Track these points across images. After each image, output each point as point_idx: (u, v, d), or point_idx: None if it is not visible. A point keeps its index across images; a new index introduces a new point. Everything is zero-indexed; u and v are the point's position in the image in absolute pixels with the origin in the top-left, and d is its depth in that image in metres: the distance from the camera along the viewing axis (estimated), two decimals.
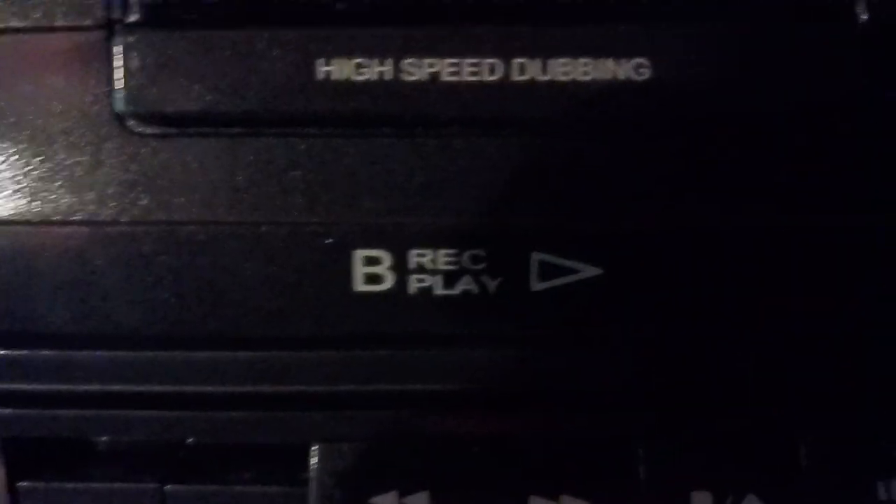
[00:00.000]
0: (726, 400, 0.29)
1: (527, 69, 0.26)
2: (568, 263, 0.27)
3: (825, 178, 0.26)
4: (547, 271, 0.27)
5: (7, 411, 0.30)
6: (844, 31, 0.26)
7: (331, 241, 0.27)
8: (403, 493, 0.30)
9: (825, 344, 0.28)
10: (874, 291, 0.27)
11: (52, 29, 0.26)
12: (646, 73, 0.25)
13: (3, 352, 0.29)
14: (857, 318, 0.28)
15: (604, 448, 0.31)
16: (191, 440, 0.32)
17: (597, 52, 0.25)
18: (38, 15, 0.26)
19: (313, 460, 0.30)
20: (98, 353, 0.29)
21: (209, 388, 0.29)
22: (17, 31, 0.27)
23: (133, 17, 0.26)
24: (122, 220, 0.27)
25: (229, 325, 0.28)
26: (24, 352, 0.29)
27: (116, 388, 0.29)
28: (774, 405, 0.29)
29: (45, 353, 0.29)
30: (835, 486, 0.32)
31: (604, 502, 0.30)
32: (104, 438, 0.33)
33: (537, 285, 0.27)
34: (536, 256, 0.27)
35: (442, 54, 0.26)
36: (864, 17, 0.26)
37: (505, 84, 0.26)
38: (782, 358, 0.28)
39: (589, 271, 0.27)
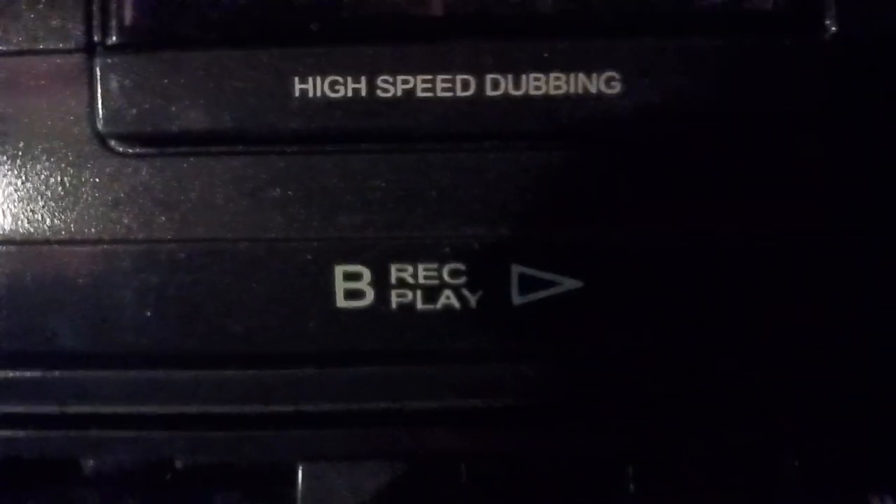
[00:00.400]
0: (708, 413, 0.29)
1: (500, 84, 0.26)
2: (548, 276, 0.28)
3: (795, 189, 0.27)
4: (527, 284, 0.28)
5: None
6: (813, 44, 0.26)
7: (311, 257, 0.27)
8: None
9: (812, 357, 0.29)
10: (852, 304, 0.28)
11: (35, 52, 0.27)
12: (617, 87, 0.26)
13: None
14: (838, 331, 0.28)
15: (591, 462, 0.32)
16: (178, 462, 0.33)
17: (568, 66, 0.26)
18: (21, 38, 0.27)
19: (300, 479, 0.31)
20: (82, 373, 0.29)
21: (194, 408, 0.29)
22: (0, 54, 0.27)
23: (112, 40, 0.27)
24: (103, 239, 0.28)
25: (212, 343, 0.28)
26: (9, 373, 0.29)
27: (101, 408, 0.30)
28: (759, 419, 0.29)
29: (30, 373, 0.29)
30: (828, 499, 0.32)
31: None
32: (90, 460, 0.34)
33: (518, 299, 0.28)
34: (517, 269, 0.28)
35: (415, 71, 0.26)
36: (833, 29, 0.26)
37: (479, 99, 0.26)
38: (765, 371, 0.29)
39: (569, 284, 0.28)
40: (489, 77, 0.26)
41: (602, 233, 0.27)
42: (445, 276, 0.28)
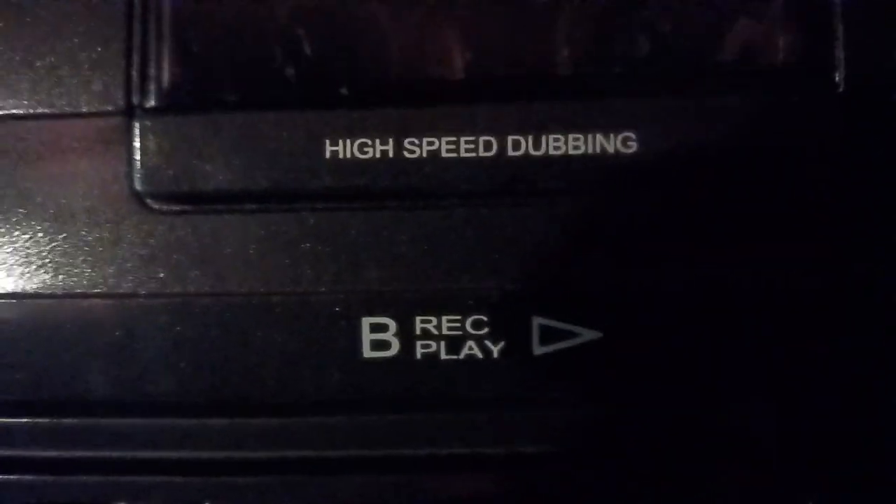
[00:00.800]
0: (727, 461, 0.30)
1: (521, 145, 0.28)
2: (568, 327, 0.29)
3: (809, 239, 0.28)
4: (548, 335, 0.29)
5: (28, 478, 0.31)
6: (823, 98, 0.28)
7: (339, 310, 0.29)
8: None
9: (832, 405, 0.29)
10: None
11: (77, 115, 0.29)
12: (633, 146, 0.28)
13: (25, 420, 0.31)
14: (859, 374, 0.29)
15: None
16: None
17: (586, 127, 0.28)
18: (63, 101, 0.29)
19: None
20: (112, 420, 0.30)
21: (224, 455, 0.31)
22: (43, 116, 0.29)
23: (151, 103, 0.29)
24: (140, 293, 0.29)
25: (243, 392, 0.30)
26: (45, 420, 0.31)
27: (131, 454, 0.31)
28: (776, 467, 0.30)
29: (67, 420, 0.31)
30: None
31: None
32: None
33: (539, 349, 0.29)
34: (537, 321, 0.29)
35: (440, 132, 0.28)
36: (842, 84, 0.28)
37: (500, 159, 0.28)
38: (787, 419, 0.30)
39: (588, 335, 0.29)
40: (511, 138, 0.28)
41: (619, 284, 0.28)
42: (468, 328, 0.29)
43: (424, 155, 0.28)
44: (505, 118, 0.28)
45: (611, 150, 0.27)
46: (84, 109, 0.29)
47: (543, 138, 0.28)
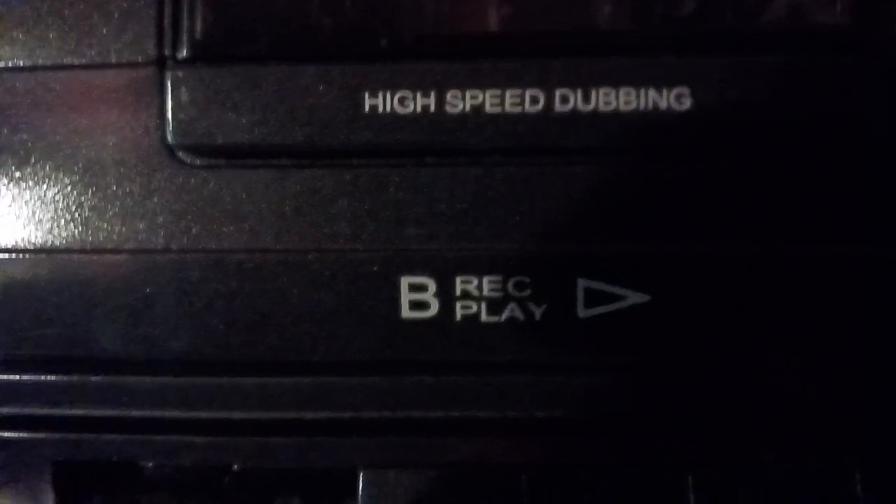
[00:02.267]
0: (773, 428, 0.30)
1: (569, 99, 0.28)
2: (615, 290, 0.29)
3: (861, 203, 0.28)
4: (593, 298, 0.29)
5: (58, 435, 0.33)
6: (876, 59, 0.28)
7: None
8: None
9: (884, 373, 0.30)
10: None
11: (108, 65, 0.29)
12: (686, 103, 0.28)
13: (55, 377, 0.32)
14: None
15: (652, 475, 0.33)
16: (237, 466, 0.35)
17: (638, 82, 0.27)
18: (94, 52, 0.29)
19: (360, 486, 0.33)
20: (147, 378, 0.31)
21: (257, 414, 0.31)
22: (73, 67, 0.29)
23: (183, 54, 0.29)
24: (172, 248, 0.30)
25: (277, 350, 0.30)
26: (76, 377, 0.32)
27: (164, 413, 0.32)
28: (827, 433, 0.31)
29: (96, 378, 0.31)
30: None
31: None
32: (151, 463, 0.36)
33: (584, 312, 0.29)
34: (583, 283, 0.29)
35: (484, 86, 0.28)
36: (891, 47, 0.28)
37: (547, 115, 0.28)
38: (834, 385, 0.30)
39: (636, 297, 0.29)
40: (558, 92, 0.28)
41: (669, 246, 0.29)
42: (510, 289, 0.29)
43: (467, 110, 0.28)
44: (553, 72, 0.28)
45: (663, 106, 0.28)
46: (114, 60, 0.29)
47: (593, 93, 0.28)
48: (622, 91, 0.28)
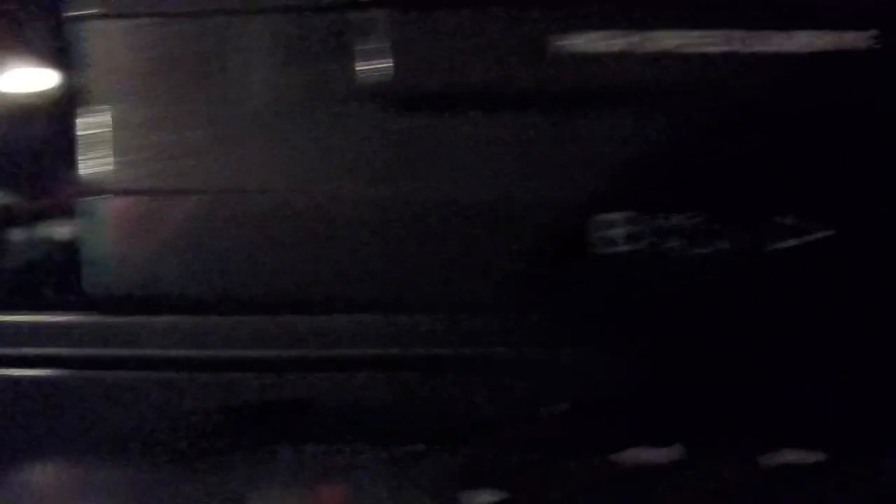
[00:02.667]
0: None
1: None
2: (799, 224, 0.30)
3: None
4: (780, 232, 0.30)
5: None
6: None
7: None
8: None
9: None
10: None
11: (306, 8, 0.30)
12: None
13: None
14: None
15: None
16: None
17: None
18: None
19: None
20: (324, 318, 0.32)
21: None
22: (276, 10, 0.30)
23: None
24: (358, 191, 0.31)
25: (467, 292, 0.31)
26: (260, 317, 0.32)
27: (344, 352, 0.32)
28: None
29: (275, 317, 0.32)
30: None
31: None
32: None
33: (771, 246, 0.30)
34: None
35: (680, 27, 0.28)
36: None
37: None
38: None
39: (820, 233, 0.30)
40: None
41: None
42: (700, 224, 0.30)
43: (662, 50, 0.29)
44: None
45: None
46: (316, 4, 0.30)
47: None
48: None
